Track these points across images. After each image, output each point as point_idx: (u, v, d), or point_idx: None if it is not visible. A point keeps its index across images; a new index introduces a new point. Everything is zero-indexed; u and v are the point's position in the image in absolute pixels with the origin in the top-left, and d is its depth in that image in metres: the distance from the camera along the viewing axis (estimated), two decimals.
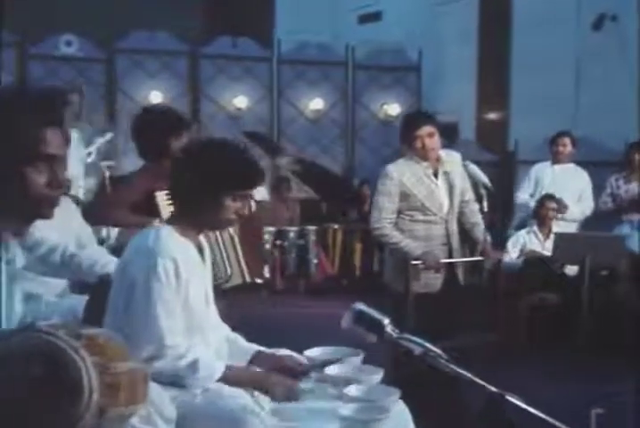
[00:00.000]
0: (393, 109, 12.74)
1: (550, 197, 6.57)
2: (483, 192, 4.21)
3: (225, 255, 3.90)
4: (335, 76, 12.66)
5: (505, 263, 6.53)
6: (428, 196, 4.29)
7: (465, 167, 4.31)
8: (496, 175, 10.95)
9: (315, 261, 9.02)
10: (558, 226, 6.67)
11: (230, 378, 2.33)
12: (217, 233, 3.86)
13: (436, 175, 4.37)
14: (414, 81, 12.96)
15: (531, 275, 6.32)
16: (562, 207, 6.65)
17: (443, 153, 4.42)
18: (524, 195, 7.04)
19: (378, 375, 2.52)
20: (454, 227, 4.41)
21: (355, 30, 14.50)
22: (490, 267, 4.36)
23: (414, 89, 12.96)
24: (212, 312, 2.55)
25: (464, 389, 4.55)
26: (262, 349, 2.69)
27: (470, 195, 4.54)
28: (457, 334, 4.44)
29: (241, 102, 12.01)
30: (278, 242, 8.90)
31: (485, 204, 4.17)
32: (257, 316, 7.86)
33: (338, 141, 12.70)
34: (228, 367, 2.37)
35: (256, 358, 2.60)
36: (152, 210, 3.74)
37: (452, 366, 1.94)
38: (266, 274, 8.67)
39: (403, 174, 4.29)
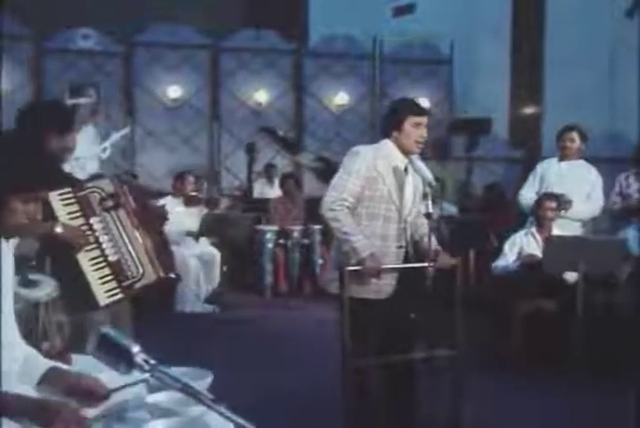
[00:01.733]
0: (422, 103, 12.24)
1: (549, 196, 6.03)
2: (428, 190, 3.78)
3: (133, 252, 3.64)
4: (362, 69, 12.25)
5: (501, 267, 6.09)
6: (397, 188, 3.87)
7: (410, 161, 3.88)
8: (521, 172, 10.49)
9: (321, 262, 8.59)
10: (562, 227, 6.14)
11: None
12: (121, 230, 3.62)
13: (406, 171, 3.95)
14: (446, 75, 12.49)
15: (527, 281, 5.80)
16: (564, 203, 6.11)
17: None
18: (530, 194, 6.48)
19: (197, 408, 2.12)
20: (409, 232, 3.97)
21: (389, 23, 14.13)
22: (434, 275, 3.88)
23: (445, 83, 12.48)
24: (6, 329, 2.18)
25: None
26: (59, 365, 2.28)
27: (421, 208, 4.12)
28: (410, 346, 4.02)
29: (262, 96, 11.70)
30: (281, 241, 8.52)
31: (429, 203, 3.73)
32: (258, 319, 7.55)
33: (364, 136, 12.28)
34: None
35: (49, 376, 2.20)
36: (47, 214, 3.47)
37: (213, 405, 1.56)
38: (269, 275, 8.51)
39: (377, 157, 3.87)
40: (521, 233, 6.14)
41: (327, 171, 10.76)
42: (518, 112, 11.92)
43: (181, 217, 7.92)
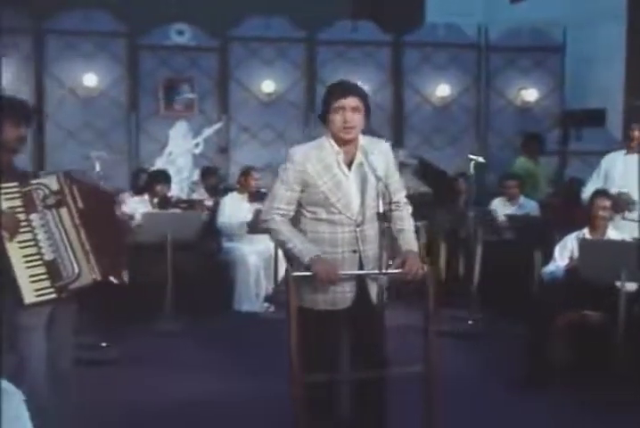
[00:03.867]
0: (530, 94, 11.56)
1: (602, 193, 5.43)
2: (380, 187, 3.36)
3: (70, 252, 3.56)
4: (465, 59, 11.67)
5: (548, 273, 5.55)
6: (333, 189, 3.46)
7: (366, 155, 3.46)
8: None
9: None
10: (623, 230, 5.52)
11: None
12: (61, 229, 3.55)
13: (350, 165, 3.55)
14: (557, 64, 11.71)
15: (574, 288, 5.20)
16: (625, 202, 5.50)
17: (365, 141, 3.60)
18: (593, 189, 5.85)
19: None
20: (370, 232, 3.53)
21: (506, 11, 13.45)
22: (385, 285, 3.45)
23: (557, 73, 11.71)
24: None
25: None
26: None
27: (400, 196, 3.69)
28: (371, 363, 3.63)
29: None
30: None
31: (381, 202, 3.32)
32: None
33: (467, 130, 11.71)
34: None
35: None
36: None
37: None
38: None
39: (308, 158, 3.50)
40: (573, 235, 5.55)
41: (422, 169, 10.31)
42: (633, 102, 10.98)
43: (244, 213, 7.76)
